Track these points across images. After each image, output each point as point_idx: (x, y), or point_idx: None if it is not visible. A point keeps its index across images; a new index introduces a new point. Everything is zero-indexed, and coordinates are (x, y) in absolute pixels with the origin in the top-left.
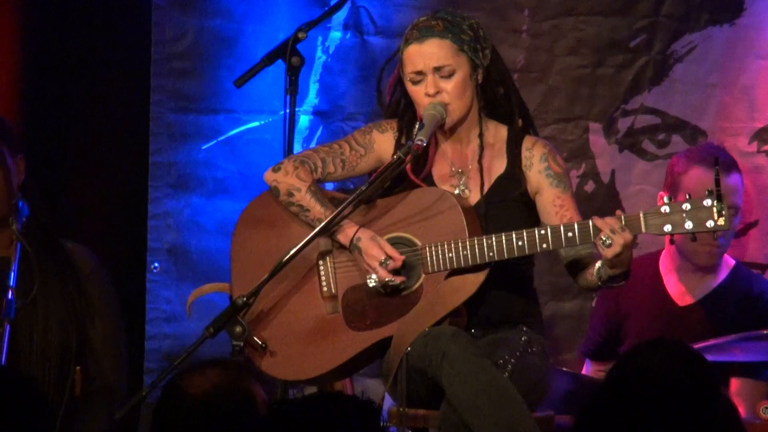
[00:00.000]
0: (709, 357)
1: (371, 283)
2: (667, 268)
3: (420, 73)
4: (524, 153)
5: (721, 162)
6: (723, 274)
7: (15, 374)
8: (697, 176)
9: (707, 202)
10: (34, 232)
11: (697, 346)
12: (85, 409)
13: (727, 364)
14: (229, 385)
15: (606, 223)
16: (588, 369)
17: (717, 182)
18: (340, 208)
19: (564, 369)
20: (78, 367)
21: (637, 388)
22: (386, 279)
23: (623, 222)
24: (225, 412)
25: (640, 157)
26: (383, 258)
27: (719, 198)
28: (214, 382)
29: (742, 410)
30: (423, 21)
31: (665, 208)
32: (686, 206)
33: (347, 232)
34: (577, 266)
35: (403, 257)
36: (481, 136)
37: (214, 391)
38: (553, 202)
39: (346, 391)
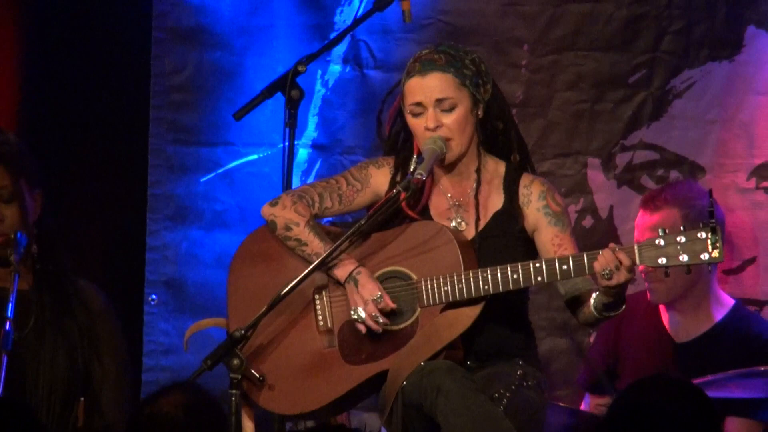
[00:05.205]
0: (707, 393)
1: (354, 316)
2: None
3: (420, 104)
4: (522, 190)
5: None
6: (721, 313)
7: (14, 403)
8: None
9: (702, 234)
10: (44, 267)
11: (694, 381)
12: None
13: (724, 401)
14: (198, 398)
15: (612, 258)
16: (587, 404)
17: (711, 214)
18: (338, 243)
19: (561, 404)
20: (82, 399)
21: (637, 424)
22: (373, 314)
23: (616, 251)
24: (205, 421)
25: (638, 193)
26: (378, 294)
27: (713, 230)
28: (185, 397)
29: None
30: (425, 54)
31: (660, 241)
32: (681, 239)
33: (347, 267)
34: (577, 302)
35: (394, 306)
36: (478, 171)
37: (190, 404)
38: (551, 240)
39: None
